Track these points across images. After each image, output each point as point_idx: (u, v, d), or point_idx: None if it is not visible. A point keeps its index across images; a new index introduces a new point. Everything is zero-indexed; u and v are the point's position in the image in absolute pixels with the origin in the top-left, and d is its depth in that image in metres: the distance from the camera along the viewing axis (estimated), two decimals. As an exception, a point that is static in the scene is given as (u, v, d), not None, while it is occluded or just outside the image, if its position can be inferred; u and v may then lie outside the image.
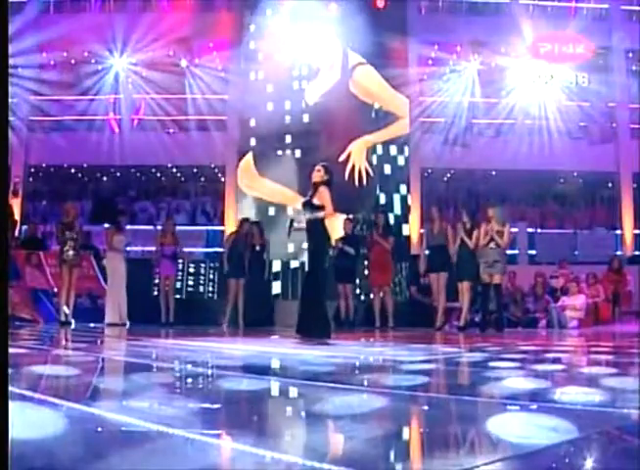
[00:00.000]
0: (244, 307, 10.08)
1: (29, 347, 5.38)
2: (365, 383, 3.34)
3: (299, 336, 6.30)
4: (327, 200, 6.40)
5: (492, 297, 9.19)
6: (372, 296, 10.41)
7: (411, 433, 2.08)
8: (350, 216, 11.04)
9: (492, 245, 8.94)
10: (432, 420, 2.25)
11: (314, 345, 5.68)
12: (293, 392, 3.00)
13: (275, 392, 2.95)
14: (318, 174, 6.54)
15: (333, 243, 8.21)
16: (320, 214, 6.41)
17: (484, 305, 9.29)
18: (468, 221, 9.40)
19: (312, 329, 6.25)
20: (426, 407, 2.55)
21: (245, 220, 11.15)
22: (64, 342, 6.55)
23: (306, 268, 6.71)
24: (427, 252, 9.94)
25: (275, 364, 4.20)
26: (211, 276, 11.24)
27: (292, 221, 7.17)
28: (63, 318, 9.14)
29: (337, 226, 9.70)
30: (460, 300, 9.33)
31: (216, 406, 2.49)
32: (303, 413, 2.37)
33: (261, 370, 3.70)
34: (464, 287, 9.24)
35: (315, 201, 6.42)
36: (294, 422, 2.27)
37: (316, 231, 6.47)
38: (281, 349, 5.75)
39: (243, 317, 10.04)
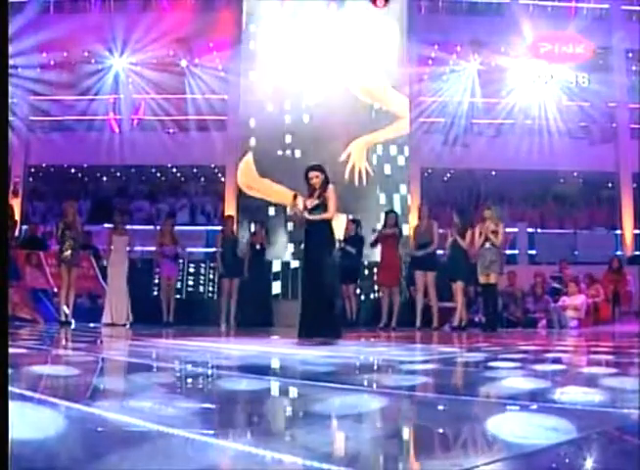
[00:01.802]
0: (236, 307, 10.09)
1: (29, 347, 5.38)
2: (365, 383, 3.34)
3: (304, 338, 6.22)
4: (334, 200, 6.45)
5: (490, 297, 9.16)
6: (381, 295, 10.37)
7: (411, 433, 2.08)
8: (352, 217, 11.05)
9: (488, 245, 8.93)
10: (431, 420, 2.25)
11: (315, 345, 5.68)
12: (292, 392, 3.00)
13: (274, 392, 2.95)
14: (317, 180, 6.53)
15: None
16: (327, 215, 6.44)
17: (484, 305, 9.28)
18: (459, 222, 9.37)
19: (323, 330, 6.20)
20: (425, 407, 2.55)
21: (229, 217, 11.13)
22: (64, 342, 6.55)
23: (313, 269, 6.54)
24: (415, 250, 9.85)
25: (275, 364, 4.20)
26: (211, 276, 11.24)
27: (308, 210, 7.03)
28: (62, 318, 9.14)
29: (338, 227, 9.69)
30: (455, 300, 9.35)
31: (215, 406, 2.49)
32: (303, 413, 2.37)
33: (261, 370, 3.70)
34: (457, 287, 9.25)
35: (322, 202, 6.42)
36: (293, 422, 2.27)
37: (324, 232, 6.47)
38: (281, 349, 5.75)
39: (235, 317, 10.05)
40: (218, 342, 6.81)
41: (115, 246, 9.67)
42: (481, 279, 9.01)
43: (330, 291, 6.44)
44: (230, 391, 2.85)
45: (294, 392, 3.00)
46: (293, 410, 2.49)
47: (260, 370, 3.68)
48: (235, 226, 11.09)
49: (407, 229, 13.33)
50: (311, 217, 6.48)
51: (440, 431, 2.03)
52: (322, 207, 6.47)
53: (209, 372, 3.81)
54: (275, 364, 4.20)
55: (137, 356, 4.87)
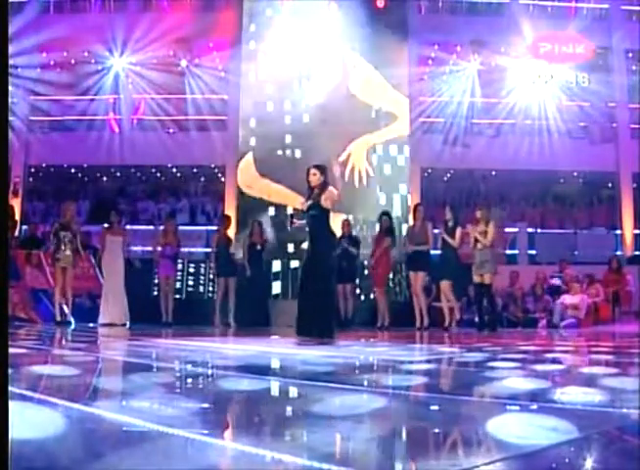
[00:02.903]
0: (235, 307, 10.09)
1: (29, 347, 5.38)
2: (365, 383, 3.34)
3: (301, 337, 6.27)
4: (335, 199, 6.51)
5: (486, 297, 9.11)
6: (375, 296, 10.38)
7: (411, 433, 2.08)
8: (349, 217, 11.07)
9: (479, 246, 8.90)
10: (431, 420, 2.25)
11: (314, 345, 5.68)
12: (292, 392, 3.00)
13: (274, 392, 2.95)
14: (315, 178, 6.58)
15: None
16: (326, 213, 6.48)
17: (478, 305, 9.24)
18: (450, 219, 9.28)
19: (317, 329, 6.24)
20: (425, 407, 2.54)
21: (226, 217, 11.13)
22: (63, 342, 6.54)
23: (310, 268, 6.60)
24: (409, 250, 9.83)
25: (275, 364, 4.20)
26: (211, 276, 11.23)
27: (292, 216, 7.17)
28: (60, 318, 9.07)
29: (336, 226, 9.70)
30: (443, 299, 9.35)
31: (215, 407, 2.49)
32: (303, 413, 2.37)
33: (260, 370, 3.70)
34: (445, 286, 9.23)
35: (322, 202, 6.44)
36: (293, 422, 2.27)
37: (323, 231, 6.50)
38: (281, 348, 5.75)
39: (234, 317, 10.05)
40: (218, 342, 6.81)
41: (111, 246, 9.61)
42: (476, 279, 8.99)
43: (326, 290, 6.50)
44: (229, 391, 2.85)
45: (293, 391, 3.00)
46: (293, 410, 2.49)
47: (260, 370, 3.68)
48: (233, 226, 11.09)
49: (406, 229, 13.36)
50: (312, 217, 6.49)
51: (440, 431, 2.03)
52: (317, 206, 6.49)
53: (209, 372, 3.81)
54: (275, 364, 4.20)
55: (136, 356, 4.86)
